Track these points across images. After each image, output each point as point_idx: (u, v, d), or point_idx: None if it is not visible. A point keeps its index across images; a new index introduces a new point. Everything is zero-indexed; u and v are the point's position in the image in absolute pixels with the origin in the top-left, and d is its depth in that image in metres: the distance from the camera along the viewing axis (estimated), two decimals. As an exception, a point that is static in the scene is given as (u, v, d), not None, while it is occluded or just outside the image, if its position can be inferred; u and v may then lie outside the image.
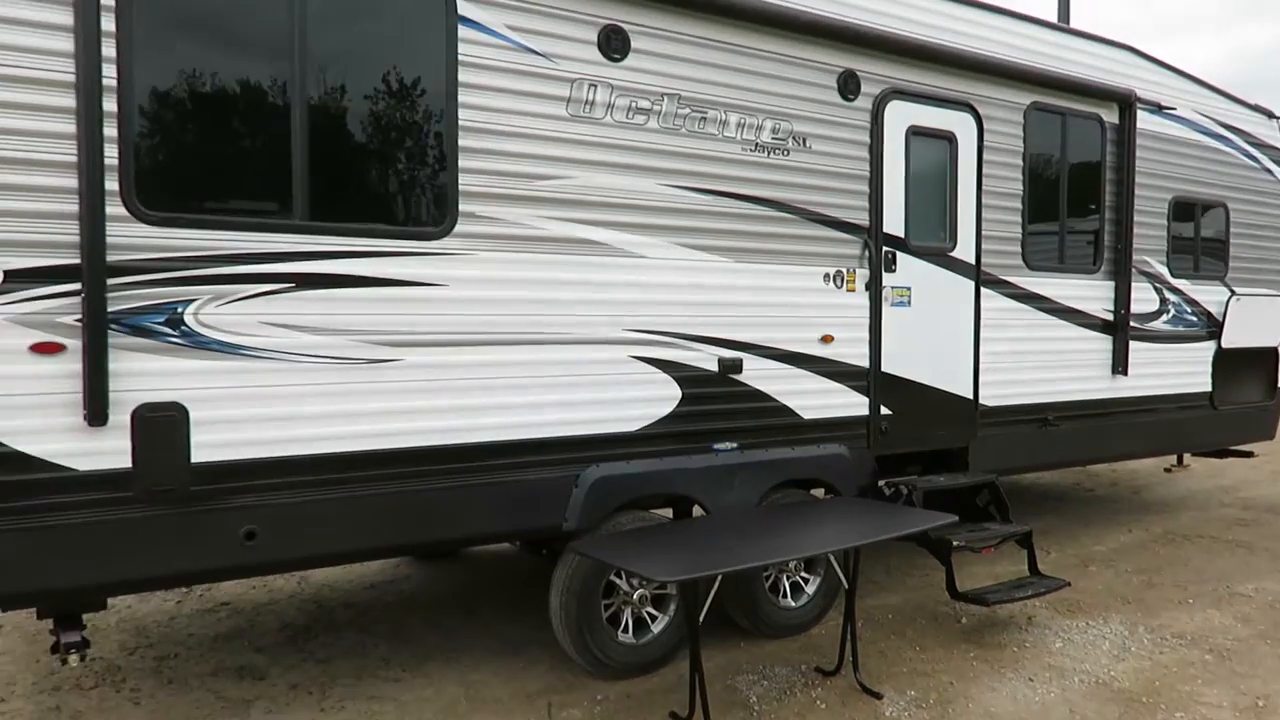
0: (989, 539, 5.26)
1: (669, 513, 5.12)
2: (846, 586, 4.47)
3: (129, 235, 3.36)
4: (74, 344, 3.29)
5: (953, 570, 5.11)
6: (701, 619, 3.96)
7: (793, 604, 5.09)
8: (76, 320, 3.29)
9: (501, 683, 4.56)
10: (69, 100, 3.27)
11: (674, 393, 4.65)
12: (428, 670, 4.72)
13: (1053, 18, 14.67)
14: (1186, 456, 9.32)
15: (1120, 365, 6.56)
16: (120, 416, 3.37)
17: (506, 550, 6.85)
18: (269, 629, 5.37)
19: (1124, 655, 4.79)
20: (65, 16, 3.25)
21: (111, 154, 3.33)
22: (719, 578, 3.95)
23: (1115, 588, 5.88)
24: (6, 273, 3.19)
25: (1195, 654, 4.81)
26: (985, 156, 5.81)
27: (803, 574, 5.16)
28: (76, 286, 3.29)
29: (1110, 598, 5.70)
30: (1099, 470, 9.66)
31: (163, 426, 3.43)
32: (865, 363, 5.34)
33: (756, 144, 4.87)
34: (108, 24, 3.30)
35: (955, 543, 5.06)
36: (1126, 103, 6.49)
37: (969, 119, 5.74)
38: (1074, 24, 15.22)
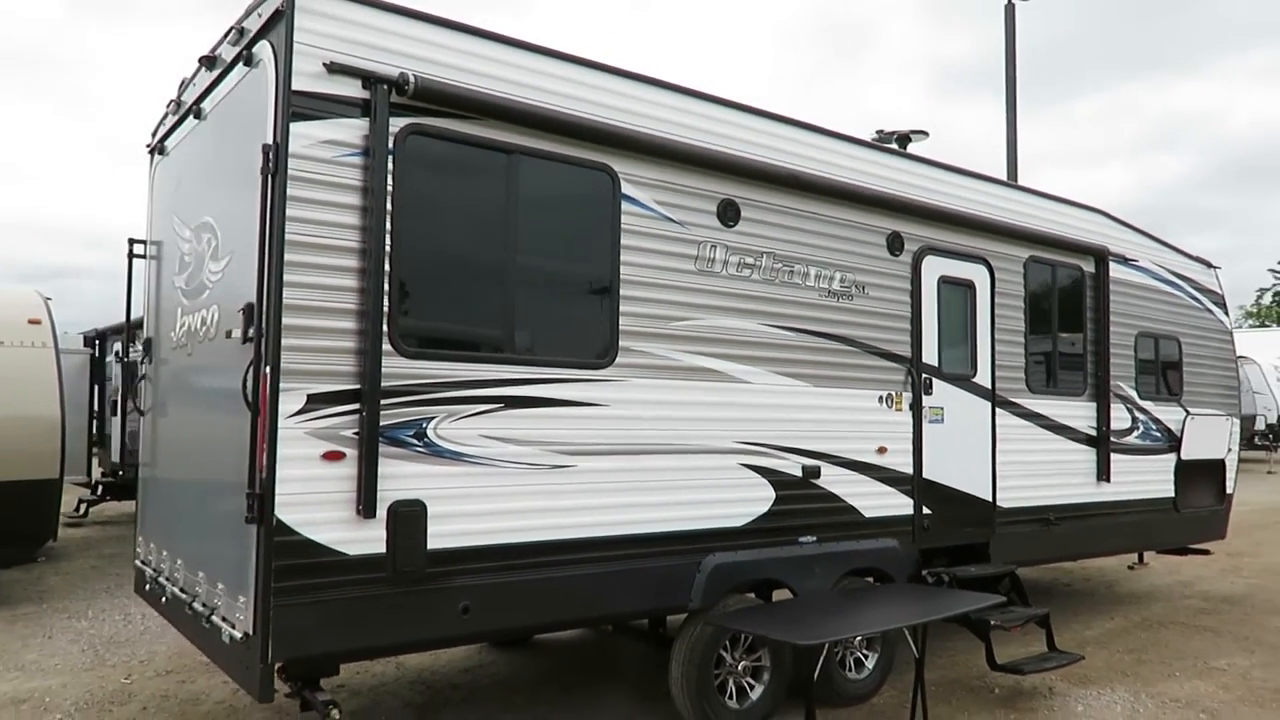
0: (1016, 619, 6.26)
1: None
2: (917, 655, 5.41)
3: (392, 367, 4.27)
4: (352, 452, 4.16)
5: (991, 645, 6.07)
6: (815, 676, 4.85)
7: (857, 676, 5.98)
8: (355, 434, 4.17)
9: (625, 745, 5.34)
10: (353, 262, 4.21)
11: (770, 494, 5.62)
12: (555, 736, 5.47)
13: (1003, 166, 16.58)
14: (1147, 555, 10.53)
15: (1104, 474, 7.75)
16: (380, 511, 4.21)
17: (568, 638, 7.59)
18: (395, 707, 6.04)
19: (1135, 716, 5.78)
20: (355, 199, 4.23)
21: (383, 304, 4.26)
22: (825, 646, 4.87)
23: (1113, 663, 6.90)
24: (309, 396, 4.07)
25: (1192, 714, 5.82)
26: (996, 300, 7.05)
27: (864, 650, 6.07)
28: (355, 407, 4.17)
29: (1111, 672, 6.71)
30: (1072, 567, 10.77)
31: (410, 519, 4.29)
32: (910, 470, 6.39)
33: (829, 291, 6.00)
34: (383, 209, 4.27)
35: (992, 622, 6.04)
36: (1101, 256, 7.86)
37: (983, 270, 6.99)
38: (1016, 162, 16.98)
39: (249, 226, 4.30)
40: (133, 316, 6.68)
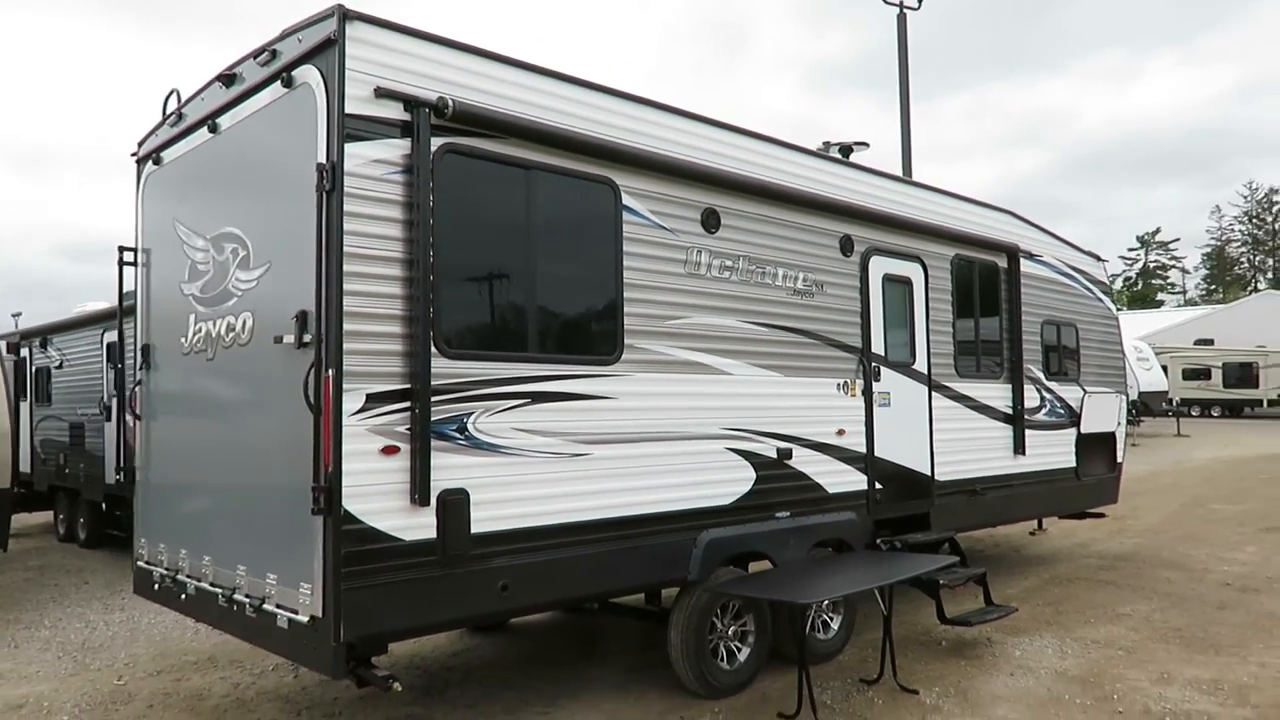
0: (959, 579, 7.05)
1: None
2: (885, 613, 6.10)
3: (438, 367, 4.66)
4: (405, 446, 4.53)
5: (941, 602, 6.83)
6: (806, 633, 5.47)
7: (825, 637, 6.64)
8: (407, 429, 4.54)
9: (629, 708, 5.84)
10: (399, 271, 4.57)
11: (751, 475, 6.22)
12: (562, 705, 5.93)
13: (880, 161, 17.65)
14: (1046, 522, 11.67)
15: (1020, 448, 8.67)
16: (430, 499, 4.59)
17: (548, 619, 8.03)
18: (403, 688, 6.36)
19: (1065, 655, 6.65)
20: (399, 213, 4.59)
21: (429, 309, 4.64)
22: (811, 607, 5.48)
23: (1036, 615, 7.80)
24: (368, 396, 4.42)
25: (1111, 652, 6.72)
26: (930, 295, 7.84)
27: (830, 613, 6.74)
28: (407, 404, 4.54)
29: (1036, 622, 7.59)
30: (982, 536, 11.81)
31: (456, 506, 4.68)
32: (864, 449, 7.10)
33: (795, 290, 6.63)
34: (426, 222, 4.64)
35: (941, 581, 6.80)
36: (1013, 253, 8.78)
37: (919, 268, 7.76)
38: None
39: (295, 238, 4.61)
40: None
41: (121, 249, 6.44)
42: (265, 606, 4.74)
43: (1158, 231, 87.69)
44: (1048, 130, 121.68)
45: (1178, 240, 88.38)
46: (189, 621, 8.37)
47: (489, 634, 7.70)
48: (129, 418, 6.38)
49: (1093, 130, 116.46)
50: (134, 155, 6.48)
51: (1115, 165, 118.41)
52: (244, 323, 5.07)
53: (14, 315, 9.26)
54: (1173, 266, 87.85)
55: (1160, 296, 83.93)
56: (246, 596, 4.91)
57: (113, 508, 12.63)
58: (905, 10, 18.85)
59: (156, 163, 6.12)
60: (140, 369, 6.26)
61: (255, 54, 5.02)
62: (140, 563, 6.17)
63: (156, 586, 5.92)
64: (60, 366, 13.78)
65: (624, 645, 7.18)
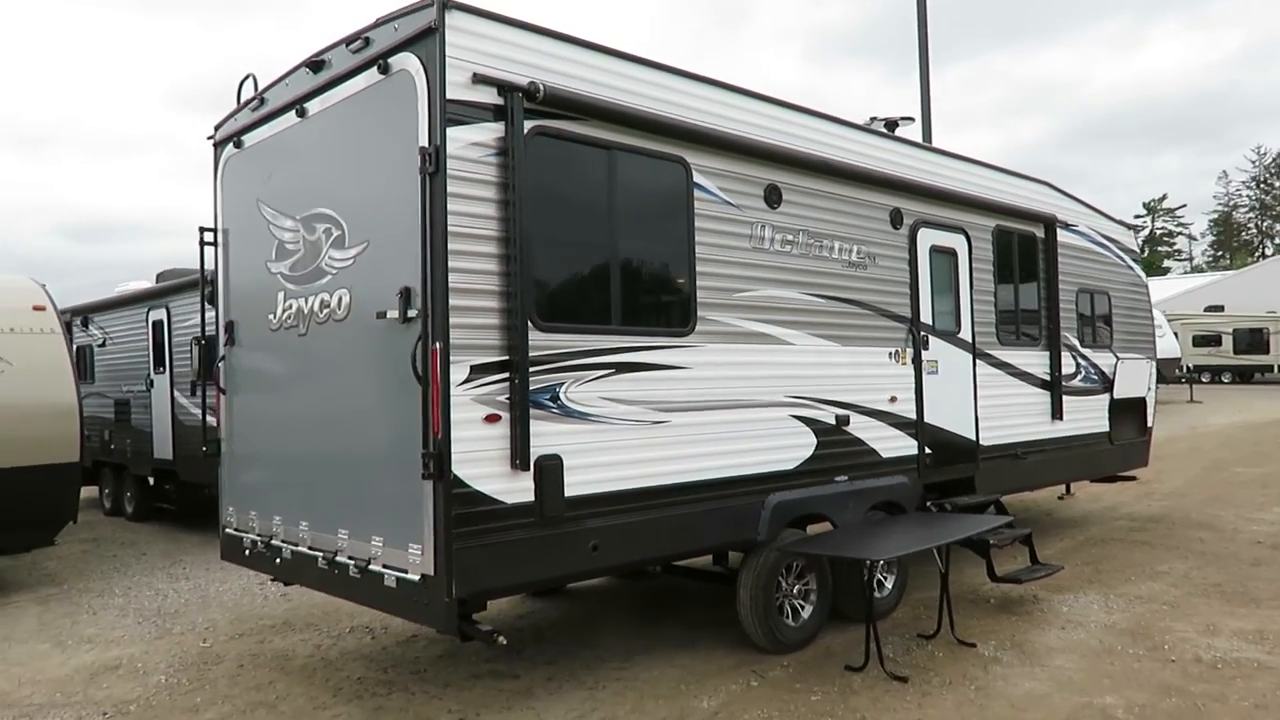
0: (1007, 538, 7.33)
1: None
2: (943, 571, 6.38)
3: (533, 339, 4.91)
4: (506, 415, 4.79)
5: (991, 561, 7.11)
6: (872, 592, 5.75)
7: (880, 595, 6.93)
8: (507, 398, 4.79)
9: (702, 663, 6.13)
10: (495, 249, 4.81)
11: (812, 440, 6.48)
12: (638, 660, 6.23)
13: (917, 132, 17.74)
14: (1074, 486, 11.95)
15: (1058, 413, 8.93)
16: (529, 464, 4.86)
17: (602, 585, 8.33)
18: (476, 648, 6.65)
19: (1111, 610, 6.94)
20: (495, 193, 4.81)
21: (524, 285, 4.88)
22: (869, 565, 5.76)
23: (1077, 574, 8.09)
24: (472, 367, 4.68)
25: (1154, 606, 7.01)
26: (973, 265, 8.06)
27: (884, 573, 7.02)
28: (506, 375, 4.80)
29: (1078, 580, 7.89)
30: (1011, 500, 12.11)
31: (552, 471, 4.95)
32: (914, 415, 7.36)
33: (849, 262, 6.86)
34: (520, 201, 4.86)
35: (991, 541, 7.08)
36: (1050, 223, 8.98)
37: (963, 239, 7.98)
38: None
39: (394, 218, 4.84)
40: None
41: (202, 229, 6.67)
42: (371, 567, 5.02)
43: (1164, 198, 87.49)
44: (1051, 98, 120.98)
45: (1184, 207, 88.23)
46: (257, 588, 8.74)
47: (549, 598, 7.99)
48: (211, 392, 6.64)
49: (1096, 97, 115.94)
50: (210, 139, 6.69)
51: (1120, 132, 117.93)
52: (339, 299, 5.32)
53: (41, 285, 9.52)
54: (1180, 233, 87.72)
55: (1167, 264, 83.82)
56: (350, 558, 5.19)
57: (160, 482, 12.95)
58: (925, -19, 18.84)
59: (237, 146, 6.34)
60: (225, 345, 6.51)
61: (347, 41, 5.23)
62: (228, 530, 6.46)
63: (248, 552, 6.21)
64: (103, 345, 14.05)
65: (680, 607, 7.49)
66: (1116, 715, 5.05)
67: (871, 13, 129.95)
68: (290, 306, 5.77)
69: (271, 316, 5.95)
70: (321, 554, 5.43)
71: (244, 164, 6.31)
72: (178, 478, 12.27)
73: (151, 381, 12.60)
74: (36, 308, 9.15)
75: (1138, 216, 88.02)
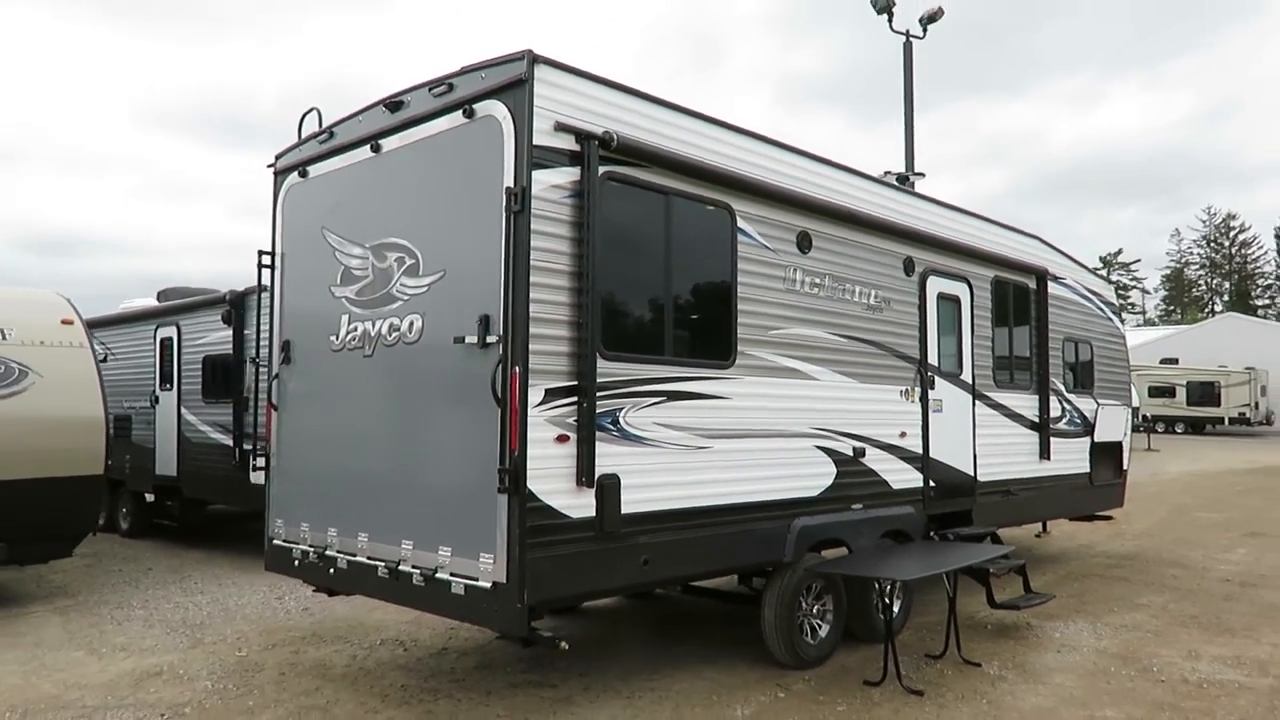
0: (1004, 568, 7.82)
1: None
2: (951, 595, 6.84)
3: (599, 367, 5.32)
4: (573, 435, 5.19)
5: (991, 588, 7.59)
6: (894, 611, 6.19)
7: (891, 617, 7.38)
8: (575, 420, 5.20)
9: (727, 676, 6.52)
10: (568, 283, 5.23)
11: (832, 470, 6.94)
12: (666, 673, 6.59)
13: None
14: (1050, 524, 12.53)
15: (1045, 453, 9.50)
16: (593, 482, 5.25)
17: (616, 605, 8.68)
18: (509, 660, 6.98)
19: (1101, 636, 7.45)
20: (570, 232, 5.25)
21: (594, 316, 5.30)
22: (898, 583, 6.22)
23: (1065, 604, 8.60)
24: (546, 390, 5.08)
25: (1139, 634, 7.53)
26: (974, 312, 8.63)
27: (889, 597, 7.46)
28: (575, 399, 5.20)
29: (1065, 610, 8.40)
30: (991, 537, 12.66)
31: (611, 489, 5.35)
32: (920, 450, 7.86)
33: (868, 305, 7.38)
34: (593, 240, 5.30)
35: (990, 570, 7.56)
36: (1042, 275, 9.62)
37: (965, 287, 8.56)
38: (908, 176, 18.76)
39: (473, 251, 5.26)
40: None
41: (260, 253, 7.01)
42: (439, 576, 5.36)
43: (1120, 252, 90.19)
44: (1013, 150, 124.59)
45: (1139, 261, 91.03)
46: (276, 601, 8.97)
47: (567, 616, 8.32)
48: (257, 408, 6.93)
49: (1058, 152, 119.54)
50: (271, 167, 7.06)
51: (1079, 185, 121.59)
52: (410, 323, 5.70)
53: (67, 299, 9.77)
54: (1134, 287, 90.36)
55: (1121, 316, 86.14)
56: (414, 568, 5.52)
57: (161, 498, 13.07)
58: (911, 39, 19.78)
59: (302, 175, 6.71)
60: (280, 364, 6.83)
61: (429, 85, 5.66)
62: (276, 541, 6.74)
63: (297, 563, 6.50)
64: (104, 360, 14.14)
65: (696, 627, 7.86)
66: (1119, 727, 5.52)
67: (840, 63, 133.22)
68: (355, 329, 6.13)
69: (334, 338, 6.30)
70: (383, 563, 5.75)
71: (308, 193, 6.69)
72: (181, 494, 12.42)
73: (157, 398, 12.77)
74: (65, 321, 9.37)
75: (1094, 270, 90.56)
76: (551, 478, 5.08)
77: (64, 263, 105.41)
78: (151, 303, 14.26)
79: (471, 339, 5.21)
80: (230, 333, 11.22)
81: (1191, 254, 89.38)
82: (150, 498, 13.33)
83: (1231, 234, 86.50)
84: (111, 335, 14.04)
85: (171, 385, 12.51)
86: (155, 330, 12.95)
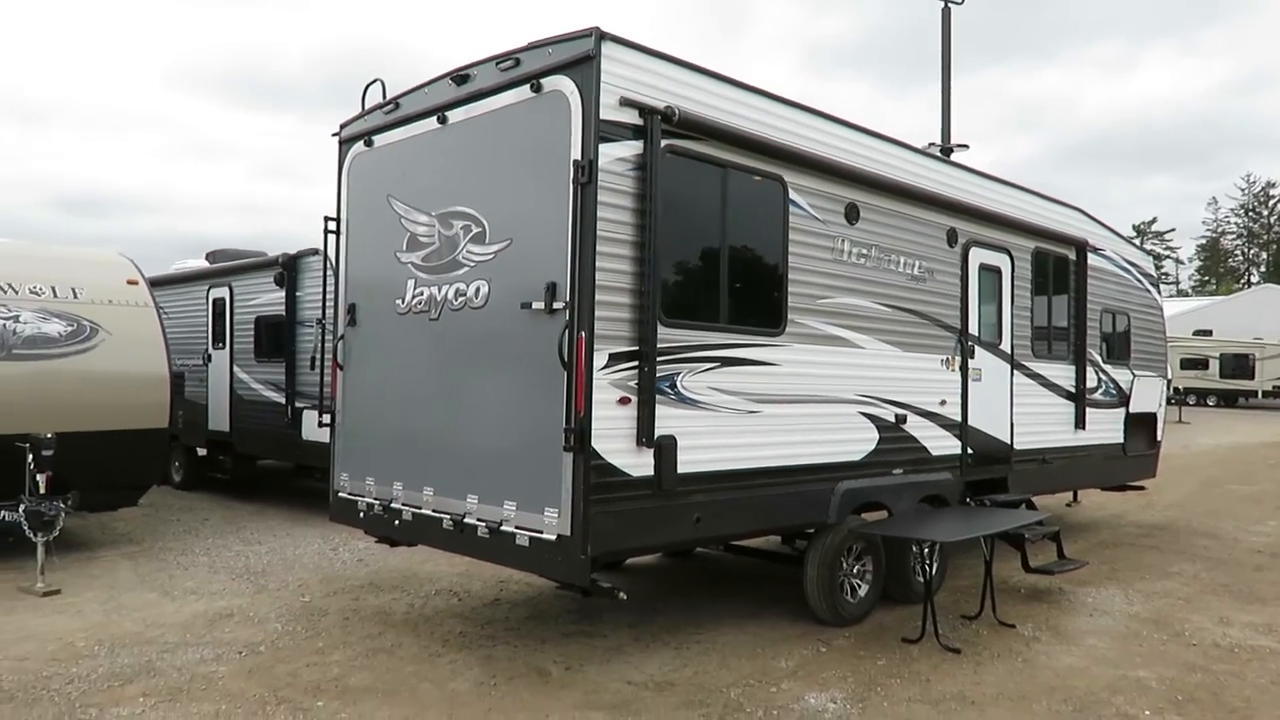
0: (1038, 534, 8.04)
1: (848, 518, 7.55)
2: (988, 558, 7.08)
3: (659, 334, 5.56)
4: (635, 398, 5.44)
5: (1026, 553, 7.82)
6: (931, 574, 6.45)
7: (922, 580, 7.63)
8: (636, 384, 5.45)
9: (770, 631, 6.81)
10: (631, 252, 5.46)
11: (875, 435, 7.17)
12: (709, 627, 6.89)
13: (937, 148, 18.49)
14: (1081, 494, 12.70)
15: (1080, 423, 9.66)
16: (652, 442, 5.51)
17: (656, 562, 8.99)
18: (559, 611, 7.31)
19: (1133, 602, 7.67)
20: (633, 203, 5.46)
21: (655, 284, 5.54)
22: (937, 545, 6.47)
23: (1095, 572, 8.82)
24: (610, 355, 5.33)
25: (1171, 601, 7.75)
26: (1014, 282, 8.78)
27: (929, 559, 7.72)
28: (636, 364, 5.45)
29: (1097, 577, 8.62)
30: (1022, 504, 12.85)
31: (668, 450, 5.61)
32: (959, 418, 8.06)
33: (912, 275, 7.56)
34: (655, 212, 5.51)
35: (1026, 536, 7.78)
36: (1081, 247, 9.72)
37: (1006, 258, 8.70)
38: (951, 148, 18.91)
39: (540, 220, 5.49)
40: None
41: (327, 219, 7.28)
42: (503, 528, 5.67)
43: (1154, 221, 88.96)
44: (1045, 117, 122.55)
45: (1173, 230, 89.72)
46: (331, 552, 9.38)
47: (611, 572, 8.64)
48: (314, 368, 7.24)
49: (1090, 118, 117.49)
50: (336, 135, 7.31)
51: (1111, 153, 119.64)
52: (477, 289, 5.95)
53: (130, 260, 10.11)
54: (1168, 257, 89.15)
55: (1159, 287, 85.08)
56: (480, 520, 5.83)
57: (213, 453, 13.52)
58: (950, 5, 19.64)
59: (368, 144, 6.96)
60: (345, 325, 7.12)
61: (496, 60, 5.86)
62: (341, 494, 7.08)
63: (362, 515, 6.84)
64: (157, 319, 14.57)
65: (737, 585, 8.16)
66: (1150, 686, 5.76)
67: (867, 27, 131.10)
68: (421, 294, 6.40)
69: (400, 301, 6.58)
70: (448, 516, 6.06)
71: (373, 161, 6.93)
72: (233, 449, 12.86)
73: (210, 356, 13.17)
74: (130, 281, 9.73)
75: (1127, 238, 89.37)
76: (614, 438, 5.35)
77: (95, 222, 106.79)
78: (202, 264, 14.63)
79: (538, 305, 5.46)
80: (283, 294, 11.56)
81: (1228, 223, 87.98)
82: (203, 452, 13.79)
83: (1271, 203, 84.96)
84: (165, 295, 14.42)
85: (224, 344, 12.90)
86: (208, 291, 13.33)
